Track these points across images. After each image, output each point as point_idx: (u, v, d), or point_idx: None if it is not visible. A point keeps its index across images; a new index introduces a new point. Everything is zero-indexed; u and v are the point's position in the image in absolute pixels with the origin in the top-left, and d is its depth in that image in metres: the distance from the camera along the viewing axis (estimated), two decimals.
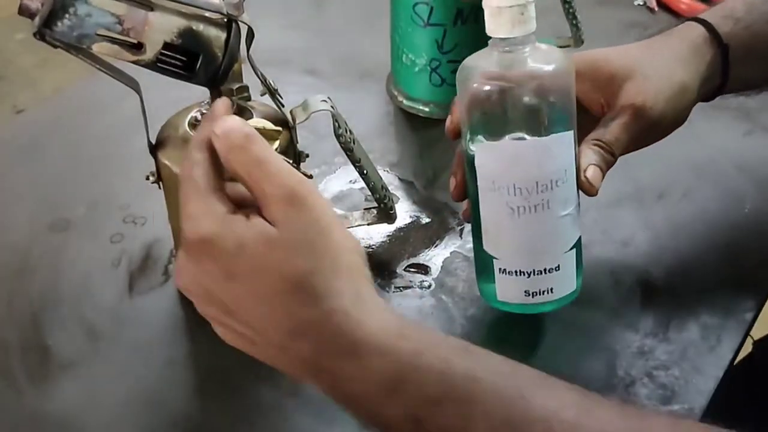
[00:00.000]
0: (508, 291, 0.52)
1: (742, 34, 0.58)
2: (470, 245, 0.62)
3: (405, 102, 0.77)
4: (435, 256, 0.62)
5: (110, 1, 0.46)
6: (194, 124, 0.53)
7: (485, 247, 0.52)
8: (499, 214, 0.50)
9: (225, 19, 0.48)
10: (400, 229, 0.64)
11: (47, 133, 0.76)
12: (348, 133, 0.56)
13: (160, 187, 0.55)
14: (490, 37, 0.73)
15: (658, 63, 0.55)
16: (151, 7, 0.47)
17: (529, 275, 0.50)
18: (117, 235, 0.65)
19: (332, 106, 0.53)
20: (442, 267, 0.61)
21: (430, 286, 0.60)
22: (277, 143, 0.51)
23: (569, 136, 0.50)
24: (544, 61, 0.50)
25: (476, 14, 0.70)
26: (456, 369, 0.38)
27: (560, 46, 0.79)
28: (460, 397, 0.38)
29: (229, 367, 0.54)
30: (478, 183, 0.50)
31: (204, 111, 0.53)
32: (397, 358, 0.38)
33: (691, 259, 0.61)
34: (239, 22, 0.48)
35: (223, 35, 0.48)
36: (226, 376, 0.54)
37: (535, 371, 0.40)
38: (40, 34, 0.46)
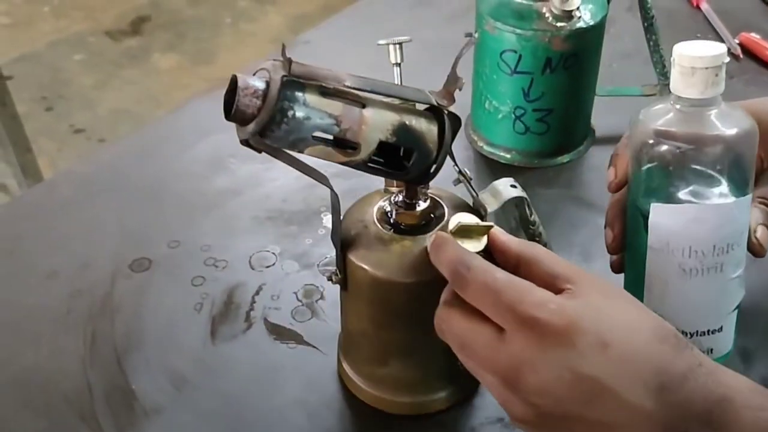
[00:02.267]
0: None
1: None
2: None
3: (485, 147, 0.76)
4: None
5: (327, 100, 0.42)
6: (387, 222, 0.49)
7: (647, 305, 0.49)
8: (669, 275, 0.49)
9: (433, 110, 0.45)
10: None
11: (129, 167, 0.77)
12: (538, 219, 0.51)
13: (345, 289, 0.50)
14: (580, 86, 0.73)
15: None
16: (363, 104, 0.43)
17: (691, 336, 0.50)
18: (198, 278, 0.64)
19: (523, 190, 0.50)
20: None
21: None
22: (486, 237, 0.45)
23: (748, 199, 0.49)
24: (728, 123, 0.48)
25: (565, 63, 0.69)
26: None
27: (646, 95, 0.77)
28: None
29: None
30: (650, 242, 0.49)
31: (397, 202, 0.49)
32: None
33: None
34: (447, 112, 0.45)
35: (434, 128, 0.45)
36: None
37: None
38: (249, 141, 0.41)
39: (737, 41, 0.90)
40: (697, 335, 0.50)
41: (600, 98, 0.77)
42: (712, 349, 0.50)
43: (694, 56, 0.46)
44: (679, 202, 0.48)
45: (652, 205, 0.48)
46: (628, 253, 0.53)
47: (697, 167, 0.48)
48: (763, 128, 0.51)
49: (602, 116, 0.79)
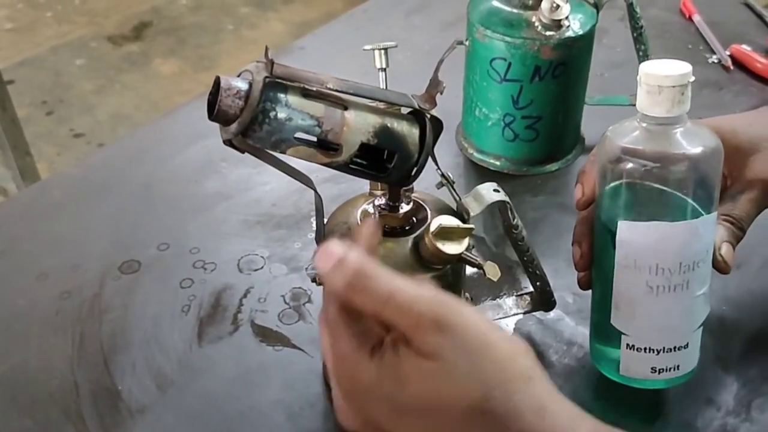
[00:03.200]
0: (634, 366, 0.51)
1: None
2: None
3: (475, 155, 0.77)
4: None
5: (309, 102, 0.43)
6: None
7: (614, 321, 0.51)
8: (636, 292, 0.49)
9: (415, 113, 0.45)
10: (470, 288, 0.63)
11: (122, 170, 0.77)
12: (521, 223, 0.52)
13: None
14: (569, 95, 0.74)
15: None
16: (345, 106, 0.44)
17: (658, 352, 0.50)
18: (187, 280, 0.65)
19: (506, 194, 0.50)
20: (514, 329, 0.60)
21: None
22: (467, 240, 0.47)
23: (713, 217, 0.49)
24: (694, 142, 0.48)
25: (554, 71, 0.70)
26: None
27: (634, 104, 0.77)
28: None
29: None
30: (617, 259, 0.49)
31: (380, 205, 0.49)
32: None
33: None
34: (429, 115, 0.45)
35: (416, 131, 0.45)
36: None
37: None
38: (232, 141, 0.42)
39: (728, 53, 0.91)
40: (663, 352, 0.50)
41: (590, 107, 0.78)
42: (678, 366, 0.51)
43: (660, 75, 0.46)
44: (646, 219, 0.48)
45: (619, 222, 0.49)
46: (596, 270, 0.53)
47: (663, 185, 0.48)
48: (727, 146, 0.51)
49: (592, 124, 0.79)
